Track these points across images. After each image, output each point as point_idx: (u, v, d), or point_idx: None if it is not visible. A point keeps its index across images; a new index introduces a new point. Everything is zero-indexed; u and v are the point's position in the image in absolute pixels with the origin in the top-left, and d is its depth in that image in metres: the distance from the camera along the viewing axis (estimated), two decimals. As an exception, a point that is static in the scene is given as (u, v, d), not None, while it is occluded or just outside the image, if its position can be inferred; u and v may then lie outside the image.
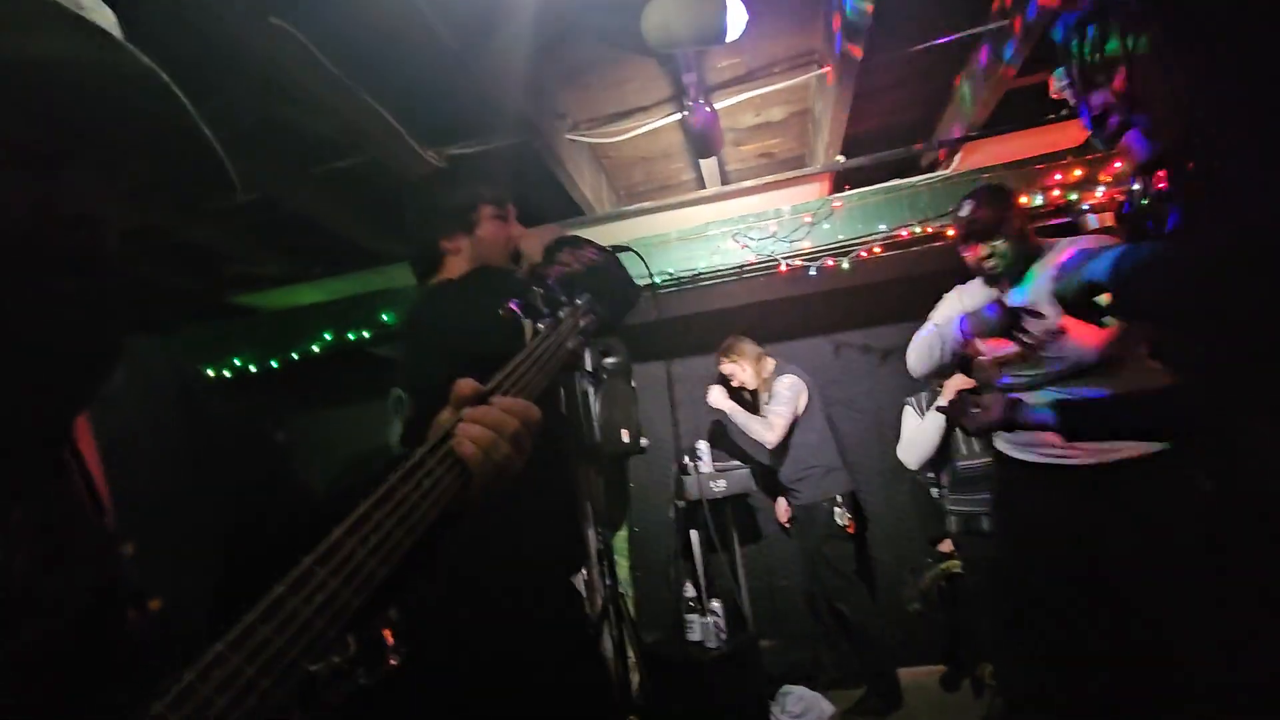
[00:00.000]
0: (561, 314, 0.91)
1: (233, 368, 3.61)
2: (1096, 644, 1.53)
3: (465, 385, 0.66)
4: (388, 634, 0.55)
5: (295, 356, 3.57)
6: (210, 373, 3.57)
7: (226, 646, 0.43)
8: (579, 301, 0.96)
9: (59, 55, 0.42)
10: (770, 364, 3.52)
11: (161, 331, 3.66)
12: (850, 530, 3.26)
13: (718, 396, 3.50)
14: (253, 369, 3.61)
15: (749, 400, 3.58)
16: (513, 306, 0.91)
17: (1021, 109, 2.75)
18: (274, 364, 3.60)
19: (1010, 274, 1.87)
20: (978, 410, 1.50)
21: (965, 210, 1.93)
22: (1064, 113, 2.69)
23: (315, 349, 3.55)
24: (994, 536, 2.23)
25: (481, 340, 1.19)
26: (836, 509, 3.23)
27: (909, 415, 3.05)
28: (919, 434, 2.90)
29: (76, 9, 0.43)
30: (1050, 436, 1.46)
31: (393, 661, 0.54)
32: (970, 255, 1.93)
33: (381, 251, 3.39)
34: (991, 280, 1.93)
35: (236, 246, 3.26)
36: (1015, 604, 1.84)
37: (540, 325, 0.88)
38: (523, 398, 0.69)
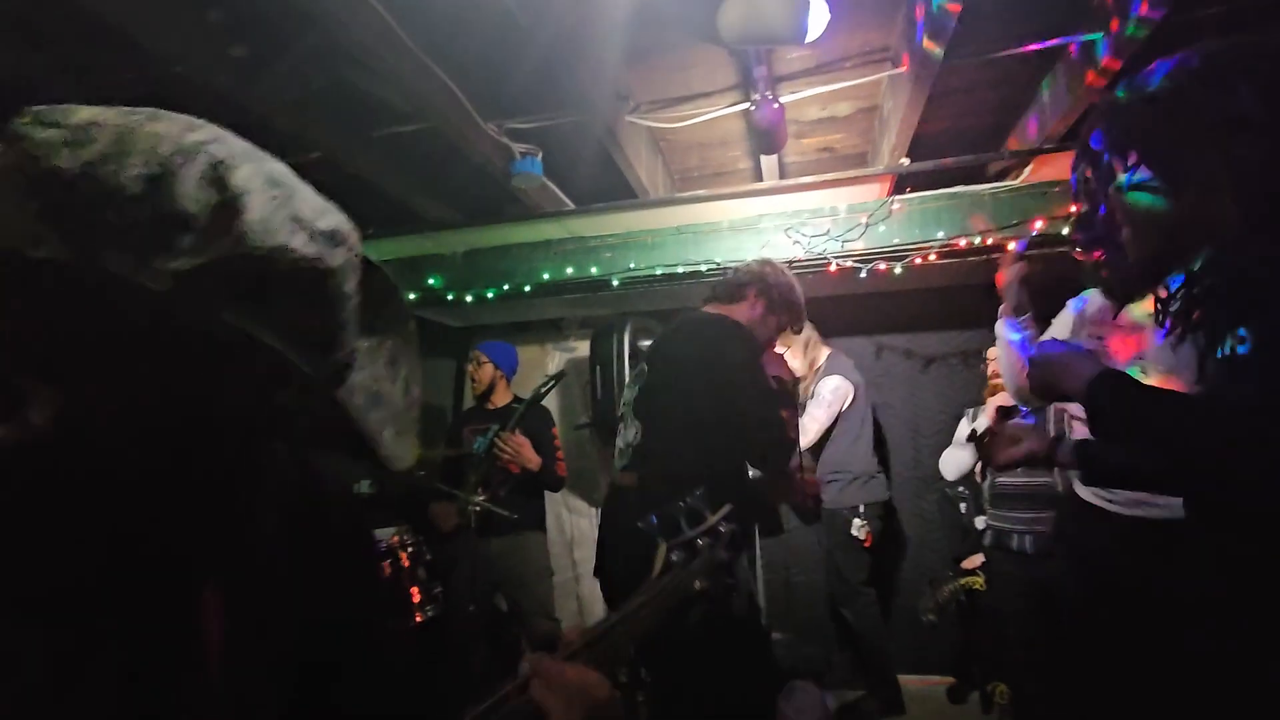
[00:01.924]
0: (700, 543, 0.81)
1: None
2: (1121, 692, 1.50)
3: (570, 633, 0.67)
4: None
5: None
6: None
7: None
8: (723, 529, 0.84)
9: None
10: (823, 355, 3.38)
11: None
12: (867, 544, 3.15)
13: None
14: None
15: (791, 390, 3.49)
16: (653, 519, 0.82)
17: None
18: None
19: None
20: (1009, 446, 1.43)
21: None
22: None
23: (362, 306, 3.64)
24: (1037, 559, 2.22)
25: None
26: (856, 519, 3.16)
27: (963, 426, 2.99)
28: (958, 451, 2.87)
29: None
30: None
31: None
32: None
33: (434, 216, 3.42)
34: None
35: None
36: (1052, 630, 1.81)
37: (675, 555, 0.79)
38: (629, 645, 0.66)
